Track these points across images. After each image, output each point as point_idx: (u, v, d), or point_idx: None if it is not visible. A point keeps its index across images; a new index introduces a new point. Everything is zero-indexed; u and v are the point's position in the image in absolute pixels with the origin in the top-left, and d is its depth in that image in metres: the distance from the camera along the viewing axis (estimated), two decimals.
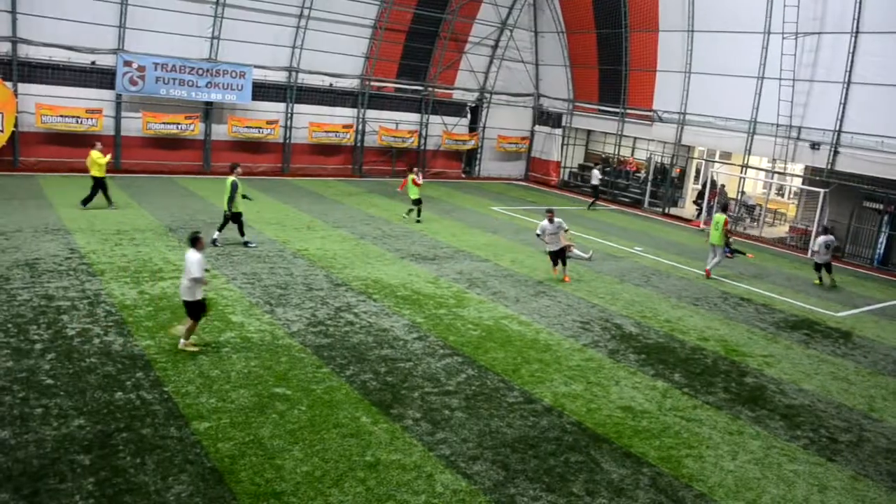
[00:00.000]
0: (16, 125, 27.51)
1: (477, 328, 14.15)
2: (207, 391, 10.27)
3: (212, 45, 30.92)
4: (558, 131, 39.63)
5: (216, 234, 19.07)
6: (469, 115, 39.54)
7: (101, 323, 12.60)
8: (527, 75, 40.01)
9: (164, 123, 30.55)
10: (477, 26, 37.08)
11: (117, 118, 29.96)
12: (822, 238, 21.18)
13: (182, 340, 11.73)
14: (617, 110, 36.11)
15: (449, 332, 13.72)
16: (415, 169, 25.28)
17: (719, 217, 20.60)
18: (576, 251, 19.16)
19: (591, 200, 33.58)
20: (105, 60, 29.10)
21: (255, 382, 10.70)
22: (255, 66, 31.69)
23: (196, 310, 11.63)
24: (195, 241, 11.52)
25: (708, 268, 20.82)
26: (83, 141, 28.11)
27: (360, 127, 35.62)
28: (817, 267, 21.40)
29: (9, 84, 27.28)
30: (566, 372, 12.30)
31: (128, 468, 8.20)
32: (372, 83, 35.52)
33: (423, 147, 37.71)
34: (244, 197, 19.54)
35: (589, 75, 37.40)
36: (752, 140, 29.84)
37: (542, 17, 38.40)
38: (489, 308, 15.58)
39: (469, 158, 40.26)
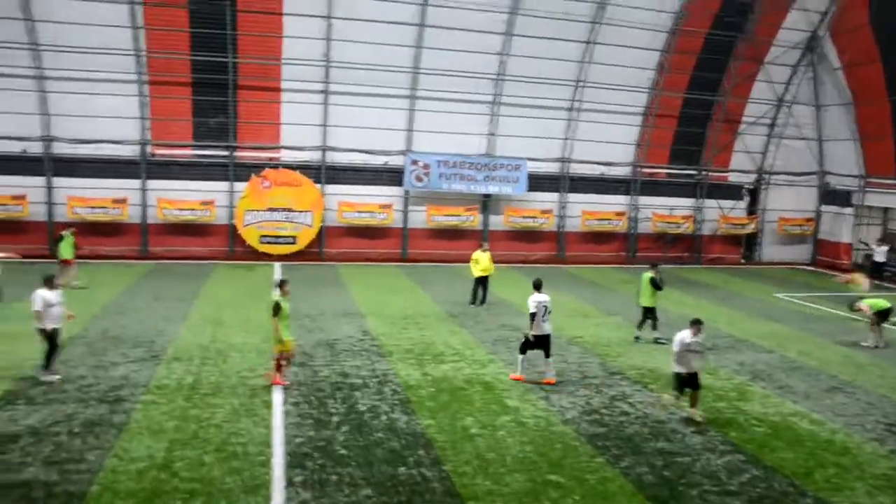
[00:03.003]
0: (322, 221, 31.37)
1: (762, 424, 13.18)
2: (483, 473, 10.60)
3: (489, 141, 32.96)
4: (848, 210, 36.30)
5: (638, 332, 19.29)
6: (747, 198, 37.69)
7: (388, 400, 13.62)
8: (808, 152, 37.31)
9: (445, 216, 32.92)
10: (751, 105, 35.60)
11: (405, 212, 32.85)
12: None
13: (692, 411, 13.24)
14: None
15: (730, 428, 12.93)
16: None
17: None
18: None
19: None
20: (395, 161, 32.26)
21: (530, 468, 10.85)
22: (529, 159, 33.14)
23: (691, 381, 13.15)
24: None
25: None
26: (374, 234, 31.97)
27: (632, 214, 35.48)
28: None
29: (318, 186, 31.30)
30: (870, 481, 10.96)
31: None
32: (644, 170, 35.41)
33: (698, 232, 36.52)
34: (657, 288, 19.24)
35: (883, 148, 33.98)
36: None
37: (823, 89, 35.83)
38: (775, 403, 14.46)
39: (748, 243, 38.16)
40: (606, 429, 12.62)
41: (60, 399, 13.02)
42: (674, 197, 36.32)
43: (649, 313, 19.08)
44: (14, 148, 29.29)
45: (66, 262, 23.94)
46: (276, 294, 14.55)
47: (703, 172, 36.25)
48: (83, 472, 10.10)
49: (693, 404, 13.22)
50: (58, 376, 14.13)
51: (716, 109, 35.08)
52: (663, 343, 17.89)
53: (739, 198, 37.55)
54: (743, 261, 37.74)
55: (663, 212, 35.88)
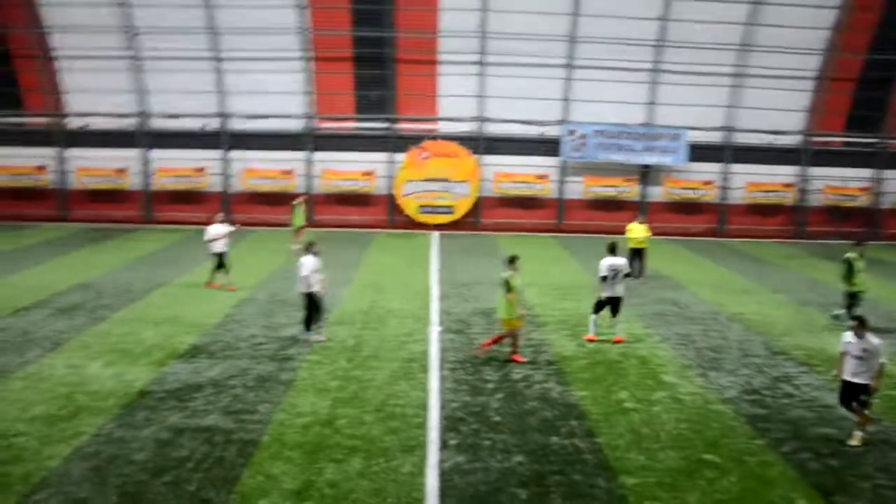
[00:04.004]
0: (479, 191, 31.78)
1: None
2: (636, 447, 10.53)
3: (648, 110, 32.00)
4: None
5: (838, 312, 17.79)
6: None
7: (542, 370, 13.75)
8: None
9: (603, 186, 32.43)
10: None
11: (561, 182, 32.62)
12: None
13: None
14: None
15: None
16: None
17: None
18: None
19: None
20: (551, 131, 32.03)
21: (685, 445, 10.65)
22: (690, 128, 31.92)
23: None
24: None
25: None
26: (530, 203, 31.95)
27: (802, 185, 33.41)
28: None
29: (475, 157, 31.71)
30: None
31: None
32: (816, 138, 33.18)
33: (879, 205, 33.86)
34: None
35: None
36: None
37: None
38: None
39: None
40: (768, 411, 12.12)
41: (236, 355, 14.13)
42: (849, 167, 33.81)
43: (852, 298, 17.16)
44: (194, 125, 31.64)
45: (299, 230, 25.56)
46: (506, 271, 14.10)
47: (885, 140, 33.43)
48: (256, 423, 10.95)
49: (862, 421, 10.90)
50: (321, 338, 15.21)
51: None
52: (838, 324, 16.78)
53: None
54: None
55: (837, 183, 33.52)
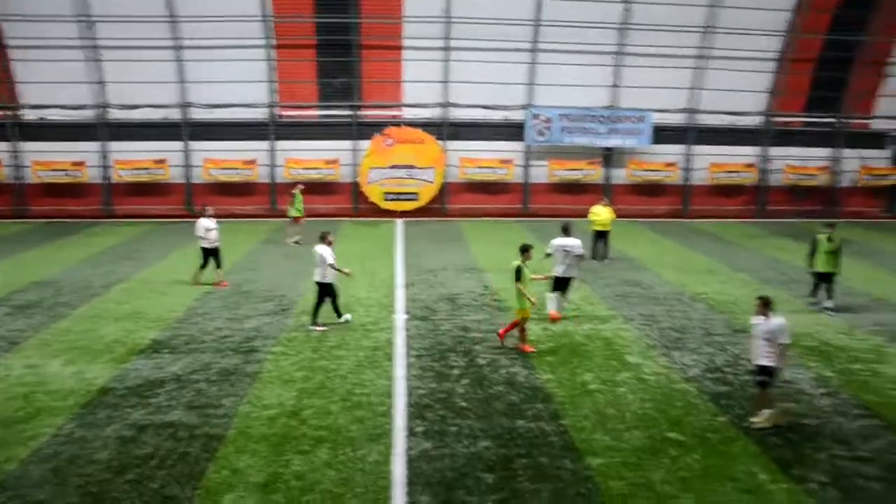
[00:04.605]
0: (444, 177, 31.73)
1: None
2: (602, 428, 10.63)
3: (612, 93, 32.15)
4: None
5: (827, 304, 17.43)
6: (892, 147, 35.06)
7: (507, 355, 13.80)
8: None
9: (567, 170, 32.55)
10: None
11: (526, 167, 32.68)
12: None
13: None
14: None
15: (864, 391, 12.31)
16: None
17: None
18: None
19: None
20: (516, 115, 32.04)
21: (649, 425, 10.78)
22: (654, 110, 32.14)
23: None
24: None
25: None
26: (495, 188, 32.18)
27: (763, 165, 33.84)
28: None
29: (439, 143, 31.62)
30: None
31: (525, 493, 8.87)
32: (776, 119, 33.60)
33: (836, 184, 34.43)
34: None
35: None
36: None
37: None
38: None
39: (892, 195, 35.63)
40: (730, 388, 12.31)
41: (199, 349, 13.97)
42: (809, 147, 34.30)
43: (817, 278, 17.46)
44: (154, 115, 31.11)
45: (296, 220, 25.53)
46: (518, 259, 14.02)
47: (843, 120, 33.99)
48: (221, 417, 10.86)
49: (759, 403, 10.95)
50: (349, 316, 15.91)
51: (861, 51, 32.64)
52: (832, 315, 16.90)
53: (883, 146, 34.99)
54: (886, 214, 35.33)
55: (797, 163, 34.01)
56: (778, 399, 11.12)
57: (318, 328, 15.25)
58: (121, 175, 31.27)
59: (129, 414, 10.94)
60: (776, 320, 10.68)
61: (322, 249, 15.34)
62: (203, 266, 19.03)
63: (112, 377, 12.46)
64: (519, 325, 14.10)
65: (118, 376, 12.51)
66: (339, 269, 15.41)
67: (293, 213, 25.51)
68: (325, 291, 15.45)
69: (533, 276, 14.31)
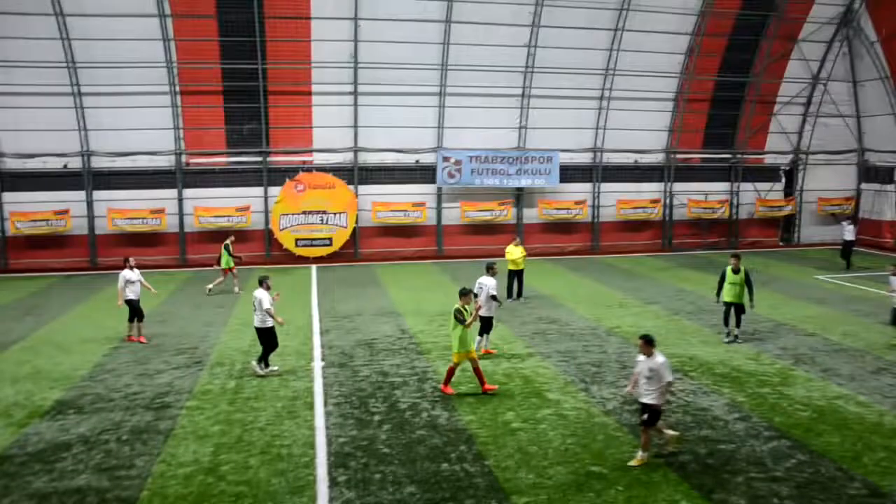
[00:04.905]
0: (356, 221, 31.60)
1: (806, 409, 12.99)
2: (526, 466, 10.62)
3: (520, 134, 32.88)
4: (891, 187, 35.40)
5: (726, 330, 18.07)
6: (783, 180, 37.04)
7: (428, 398, 13.69)
8: (847, 130, 36.49)
9: (479, 211, 32.94)
10: (785, 85, 34.95)
11: (438, 209, 32.91)
12: None
13: None
14: None
15: (774, 413, 12.76)
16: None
17: None
18: None
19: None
20: (427, 158, 32.34)
21: (572, 460, 10.84)
22: (562, 150, 33.00)
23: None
24: None
25: None
26: (410, 232, 32.13)
27: (667, 201, 35.14)
28: None
29: (351, 187, 31.53)
30: None
31: None
32: (678, 155, 35.04)
33: (735, 216, 36.04)
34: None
35: None
36: None
37: (860, 64, 34.96)
38: (819, 387, 14.24)
39: (787, 225, 37.53)
40: None
41: (108, 408, 13.31)
42: (709, 182, 35.83)
43: (734, 308, 17.83)
44: (56, 164, 29.95)
45: (225, 272, 24.92)
46: (458, 303, 14.00)
47: (738, 155, 35.74)
48: (133, 479, 10.33)
49: (644, 442, 10.85)
50: (276, 368, 15.47)
51: (749, 91, 34.54)
52: (738, 342, 17.49)
53: (776, 179, 36.95)
54: (781, 243, 37.14)
55: (698, 197, 35.46)
56: (668, 427, 11.37)
57: (272, 369, 15.23)
58: (18, 227, 29.78)
59: (29, 483, 10.26)
60: (659, 358, 10.76)
61: (260, 294, 15.09)
62: (132, 319, 18.38)
63: (10, 443, 11.69)
64: (453, 368, 14.02)
65: (17, 442, 11.76)
66: (272, 316, 15.11)
67: (223, 264, 24.86)
68: (266, 337, 15.18)
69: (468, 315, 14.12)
